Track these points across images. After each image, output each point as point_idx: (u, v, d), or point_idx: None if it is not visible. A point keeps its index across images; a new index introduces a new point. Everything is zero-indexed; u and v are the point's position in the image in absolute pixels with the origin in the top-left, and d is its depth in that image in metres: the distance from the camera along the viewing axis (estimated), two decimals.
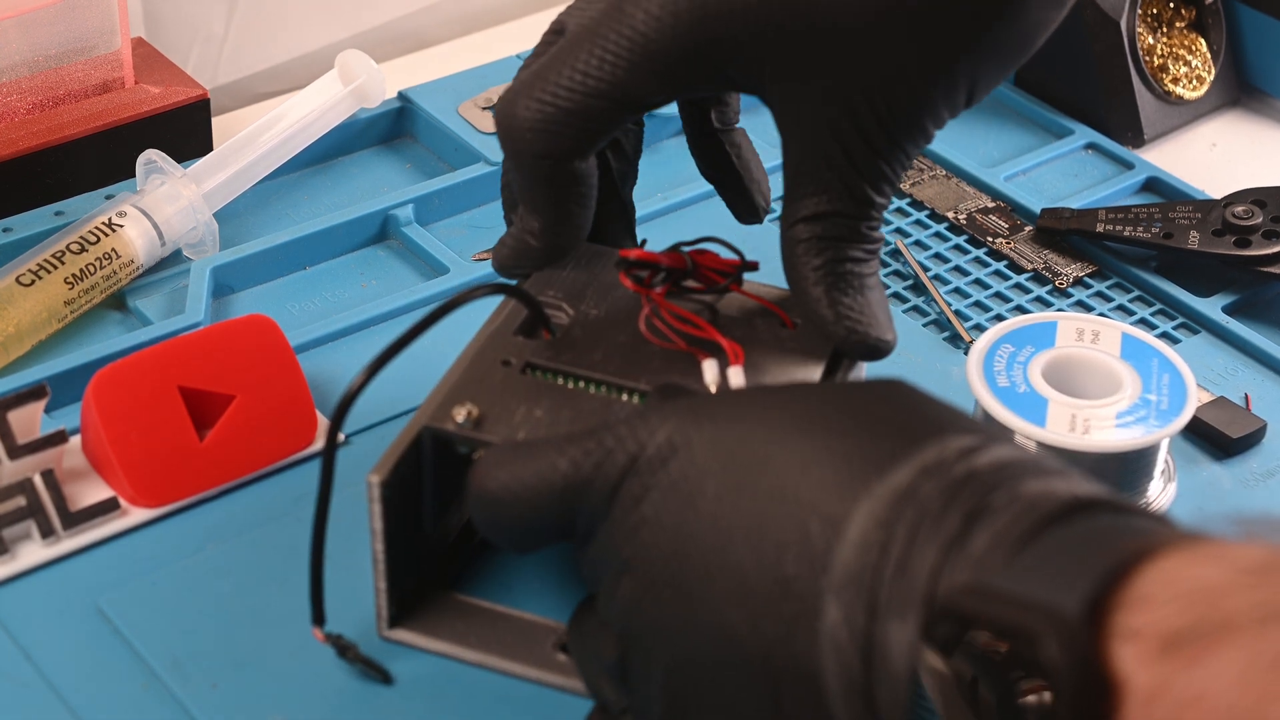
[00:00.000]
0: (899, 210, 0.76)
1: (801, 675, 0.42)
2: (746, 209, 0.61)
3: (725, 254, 0.56)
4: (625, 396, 0.52)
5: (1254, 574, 0.36)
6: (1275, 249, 0.71)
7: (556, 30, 0.56)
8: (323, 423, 0.61)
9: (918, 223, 0.75)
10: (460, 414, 0.51)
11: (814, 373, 0.53)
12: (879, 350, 0.54)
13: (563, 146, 0.53)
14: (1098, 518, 0.40)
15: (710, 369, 0.52)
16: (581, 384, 0.53)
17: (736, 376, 0.52)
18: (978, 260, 0.73)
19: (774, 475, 0.44)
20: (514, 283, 0.55)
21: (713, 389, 0.52)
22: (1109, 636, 0.36)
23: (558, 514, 0.47)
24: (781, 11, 0.50)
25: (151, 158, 0.69)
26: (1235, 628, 0.35)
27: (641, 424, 0.46)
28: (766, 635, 0.42)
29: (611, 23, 0.52)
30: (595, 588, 0.47)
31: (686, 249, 0.55)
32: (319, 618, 0.52)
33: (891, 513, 0.42)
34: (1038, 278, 0.73)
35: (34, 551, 0.56)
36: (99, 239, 0.66)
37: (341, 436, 0.61)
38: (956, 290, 0.72)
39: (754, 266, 0.56)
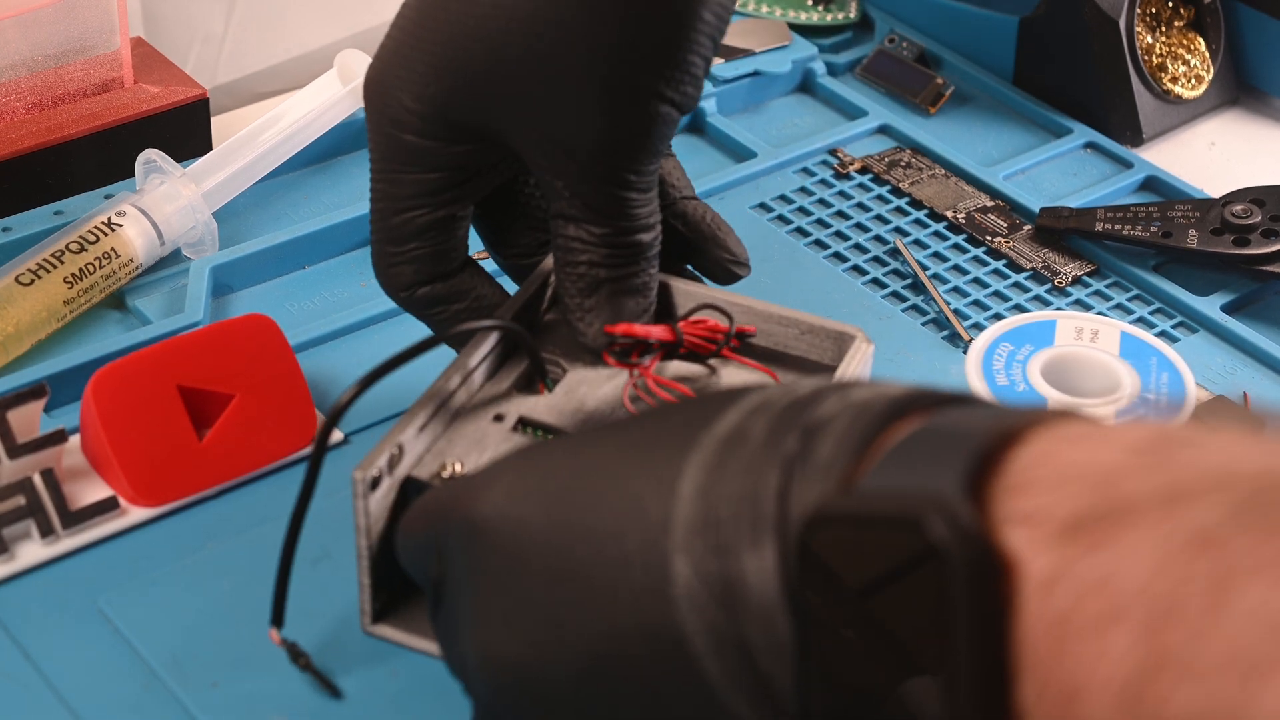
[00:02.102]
0: (898, 209, 0.76)
1: (667, 653, 0.39)
2: (715, 274, 0.60)
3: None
4: None
5: (1146, 454, 0.34)
6: (1274, 248, 0.71)
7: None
8: (322, 422, 0.61)
9: (916, 222, 0.76)
10: (447, 470, 0.51)
11: None
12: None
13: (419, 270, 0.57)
14: (945, 411, 0.38)
15: None
16: None
17: None
18: (976, 259, 0.73)
19: (589, 482, 0.42)
20: (517, 327, 0.55)
21: None
22: (996, 521, 0.35)
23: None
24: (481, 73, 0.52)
25: (151, 157, 0.69)
26: (1137, 510, 0.33)
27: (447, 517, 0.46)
28: (623, 626, 0.40)
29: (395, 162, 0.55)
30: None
31: (680, 322, 0.55)
32: (278, 619, 0.52)
33: (722, 454, 0.39)
34: (1036, 276, 0.73)
35: (33, 551, 0.56)
36: (98, 238, 0.66)
37: (340, 435, 0.61)
38: (955, 289, 0.72)
39: (750, 333, 0.56)
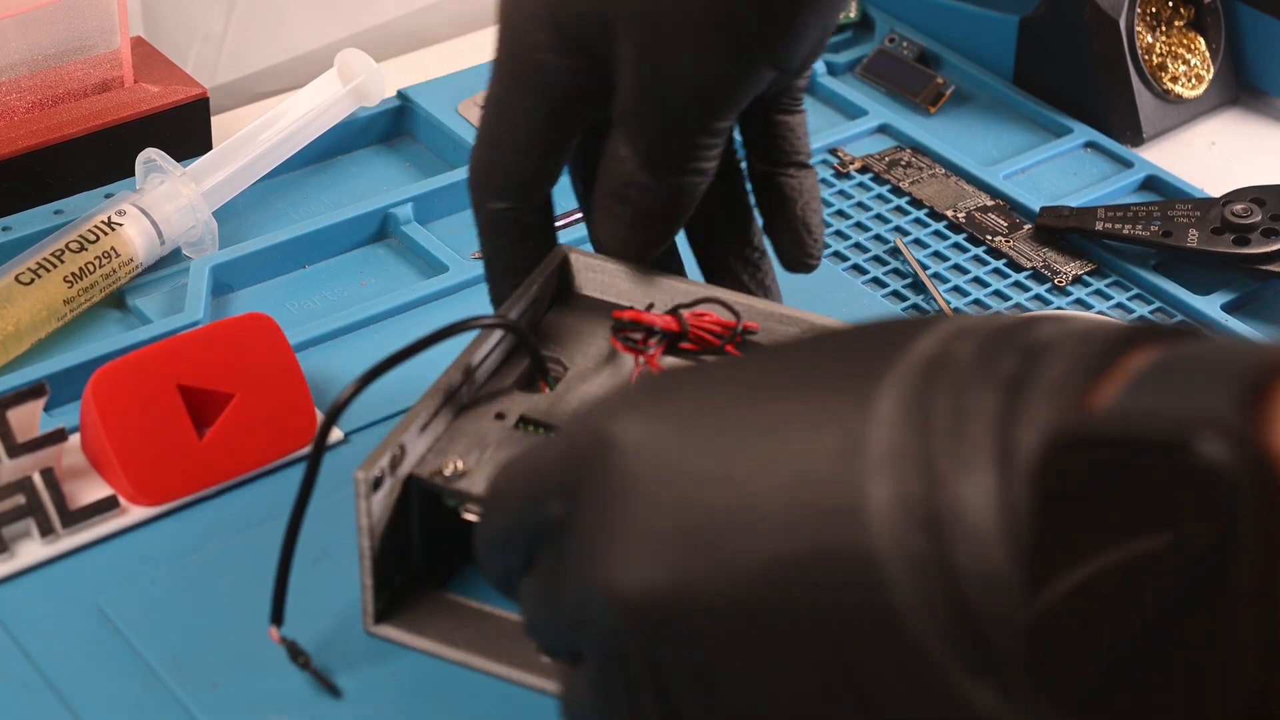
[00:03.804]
0: (897, 209, 0.76)
1: (851, 579, 0.36)
2: (794, 259, 0.60)
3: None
4: None
5: None
6: (1274, 247, 0.71)
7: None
8: (321, 421, 0.61)
9: (916, 221, 0.75)
10: (449, 467, 0.51)
11: None
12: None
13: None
14: (1183, 342, 0.36)
15: None
16: None
17: None
18: (977, 259, 0.73)
19: (748, 403, 0.39)
20: (519, 326, 0.55)
21: None
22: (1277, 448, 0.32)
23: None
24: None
25: (151, 156, 0.69)
26: None
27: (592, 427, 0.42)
28: (797, 550, 0.37)
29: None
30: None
31: (685, 311, 0.55)
32: (278, 618, 0.52)
33: (927, 377, 0.37)
34: (1037, 276, 0.73)
35: (33, 550, 0.56)
36: (98, 238, 0.66)
37: (340, 434, 0.61)
38: (955, 289, 0.72)
39: (753, 329, 0.56)
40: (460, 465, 0.51)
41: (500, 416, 0.53)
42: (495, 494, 0.46)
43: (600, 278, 0.58)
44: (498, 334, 0.55)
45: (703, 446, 0.39)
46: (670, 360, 0.55)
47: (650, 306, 0.57)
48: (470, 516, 0.52)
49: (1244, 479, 0.31)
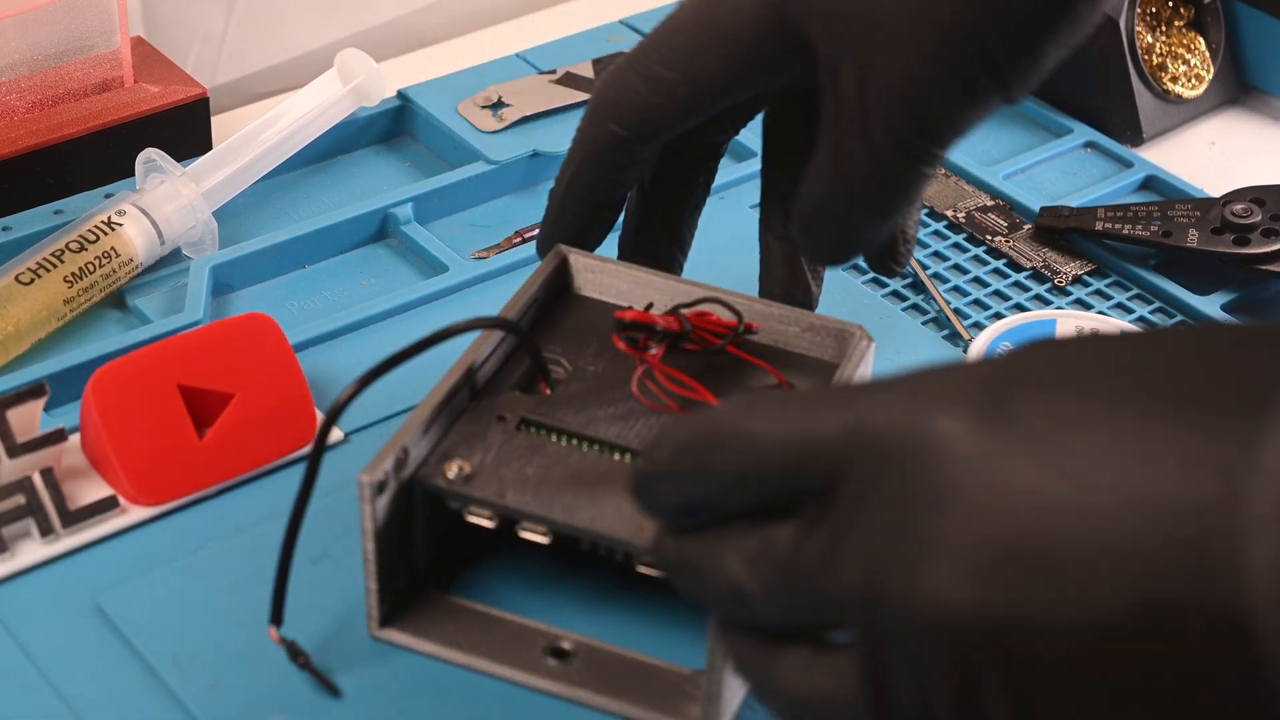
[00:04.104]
0: None
1: (1219, 646, 0.34)
2: (882, 263, 0.61)
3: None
4: (618, 457, 0.52)
5: None
6: (1274, 247, 0.71)
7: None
8: (322, 421, 0.61)
9: None
10: (452, 470, 0.51)
11: None
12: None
13: (648, 118, 0.56)
14: None
15: None
16: (576, 442, 0.53)
17: None
18: (976, 258, 0.73)
19: (1129, 426, 0.37)
20: (520, 327, 0.55)
21: None
22: None
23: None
24: None
25: (151, 156, 0.69)
26: None
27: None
28: (1164, 607, 0.35)
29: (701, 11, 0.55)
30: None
31: (685, 311, 0.55)
32: (278, 618, 0.52)
33: None
34: (1037, 276, 0.73)
35: (33, 550, 0.56)
36: (98, 238, 0.66)
37: (340, 434, 0.61)
38: (955, 288, 0.72)
39: (753, 329, 0.56)
40: (464, 468, 0.51)
41: (502, 419, 0.53)
42: (739, 432, 0.42)
43: (599, 278, 0.58)
44: (498, 335, 0.55)
45: (1054, 468, 0.37)
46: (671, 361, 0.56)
47: (649, 307, 0.57)
48: (475, 520, 0.52)
49: None
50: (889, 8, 0.51)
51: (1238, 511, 0.34)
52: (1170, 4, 0.83)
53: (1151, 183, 0.78)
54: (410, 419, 0.51)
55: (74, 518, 0.56)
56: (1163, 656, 0.35)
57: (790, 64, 0.54)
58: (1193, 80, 0.83)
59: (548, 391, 0.54)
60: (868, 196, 0.54)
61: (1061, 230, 0.73)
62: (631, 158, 0.57)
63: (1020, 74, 0.51)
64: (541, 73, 0.80)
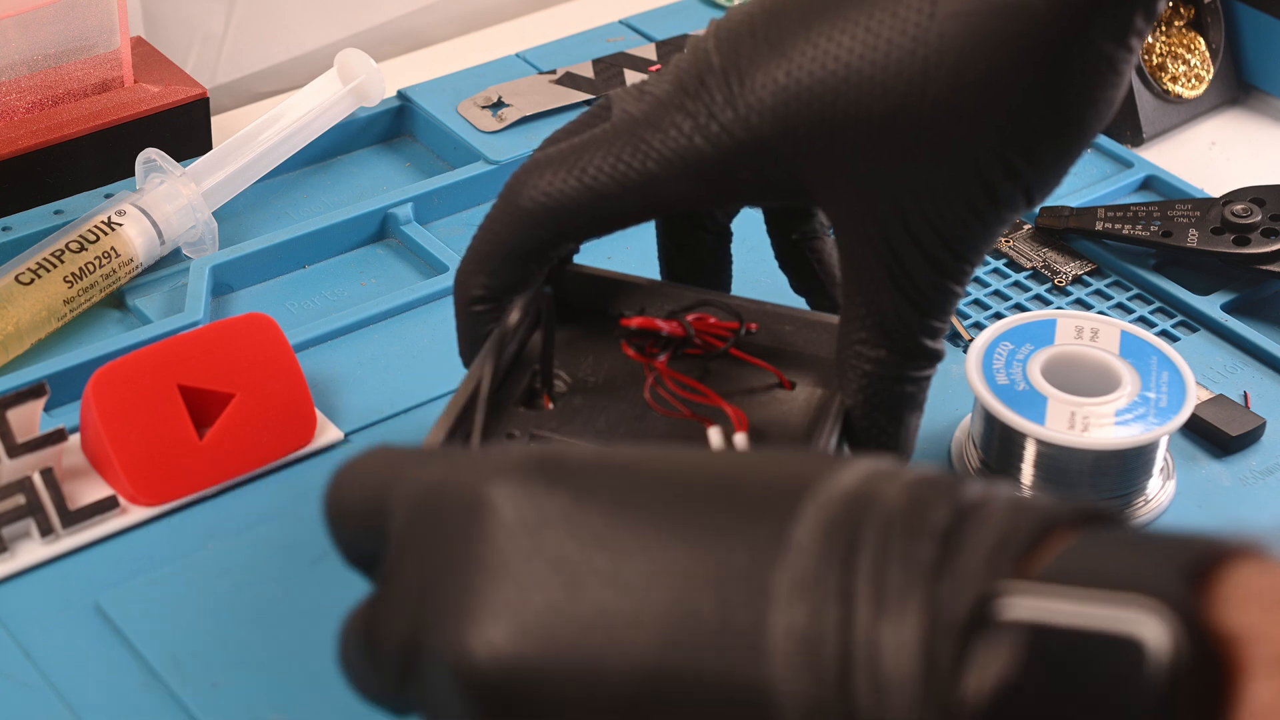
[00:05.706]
0: None
1: (737, 708, 0.35)
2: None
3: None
4: None
5: None
6: (1274, 247, 0.71)
7: (599, 111, 0.53)
8: (322, 421, 0.61)
9: None
10: None
11: (820, 435, 0.53)
12: None
13: (569, 226, 0.52)
14: (1114, 526, 0.36)
15: (715, 436, 0.52)
16: None
17: (742, 443, 0.52)
18: None
19: (671, 507, 0.38)
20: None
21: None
22: (1218, 634, 0.32)
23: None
24: (812, 112, 0.48)
25: (151, 156, 0.69)
26: None
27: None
28: (685, 676, 0.36)
29: (658, 124, 0.50)
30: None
31: (684, 315, 0.55)
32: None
33: (849, 512, 0.36)
34: (1037, 276, 0.73)
35: (33, 550, 0.56)
36: (98, 238, 0.66)
37: (340, 434, 0.61)
38: None
39: (753, 329, 0.56)
40: None
41: (511, 436, 0.53)
42: (328, 490, 0.43)
43: (589, 289, 0.58)
44: (505, 353, 0.54)
45: (592, 537, 0.38)
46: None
47: (642, 311, 0.57)
48: None
49: (1184, 665, 0.31)
50: (904, 134, 0.48)
51: (764, 581, 0.35)
52: (1170, 4, 0.83)
53: (1151, 183, 0.78)
54: (424, 443, 0.50)
55: (74, 518, 0.56)
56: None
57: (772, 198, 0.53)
58: (1193, 80, 0.83)
59: (550, 405, 0.54)
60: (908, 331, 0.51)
61: (1061, 230, 0.73)
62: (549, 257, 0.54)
63: (1046, 192, 0.49)
64: (541, 73, 0.80)
